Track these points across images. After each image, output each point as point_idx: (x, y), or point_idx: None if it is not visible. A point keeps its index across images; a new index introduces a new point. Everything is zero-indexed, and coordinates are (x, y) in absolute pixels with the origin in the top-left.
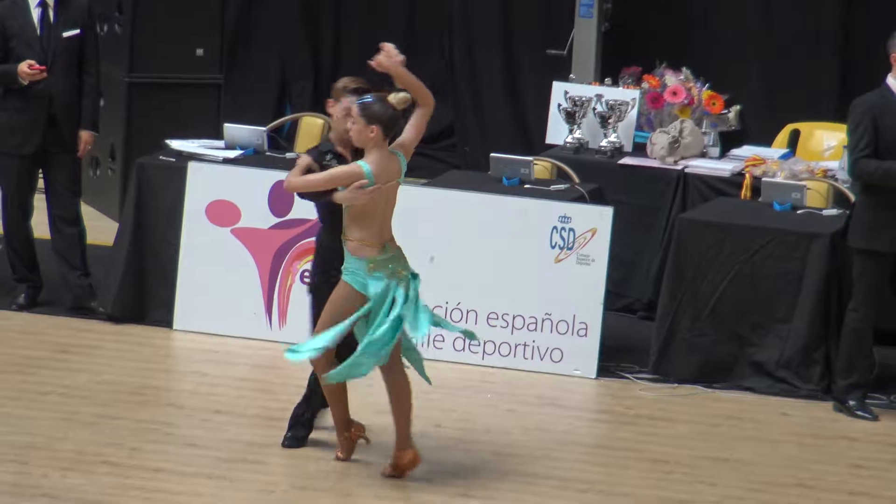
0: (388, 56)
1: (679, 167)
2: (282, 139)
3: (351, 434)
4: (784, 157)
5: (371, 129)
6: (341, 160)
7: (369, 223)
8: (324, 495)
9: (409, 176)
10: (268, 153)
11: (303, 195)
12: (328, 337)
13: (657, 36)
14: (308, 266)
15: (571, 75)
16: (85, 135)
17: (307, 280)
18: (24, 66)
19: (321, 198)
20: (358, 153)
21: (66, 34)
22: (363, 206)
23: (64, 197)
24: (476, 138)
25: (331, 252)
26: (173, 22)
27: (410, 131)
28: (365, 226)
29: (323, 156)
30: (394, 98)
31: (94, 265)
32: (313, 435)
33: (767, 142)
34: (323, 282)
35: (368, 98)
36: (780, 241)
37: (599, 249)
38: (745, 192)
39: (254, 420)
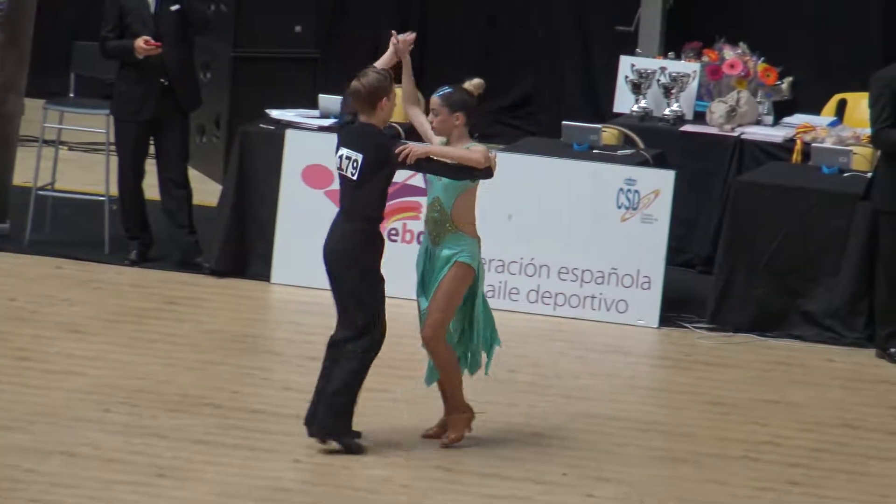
0: (407, 43)
1: (736, 134)
2: None
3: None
4: (832, 124)
5: (456, 117)
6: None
7: (475, 206)
8: (411, 437)
9: (488, 142)
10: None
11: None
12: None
13: (716, 13)
14: (396, 225)
15: (638, 50)
16: None
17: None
18: (140, 42)
19: (465, 175)
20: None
21: (172, 8)
22: (475, 190)
23: (173, 161)
24: (550, 107)
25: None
26: (274, 1)
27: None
28: (473, 208)
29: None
30: (469, 85)
31: (200, 224)
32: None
33: (817, 110)
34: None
35: (447, 89)
36: (828, 202)
37: (662, 209)
38: (796, 157)
39: None
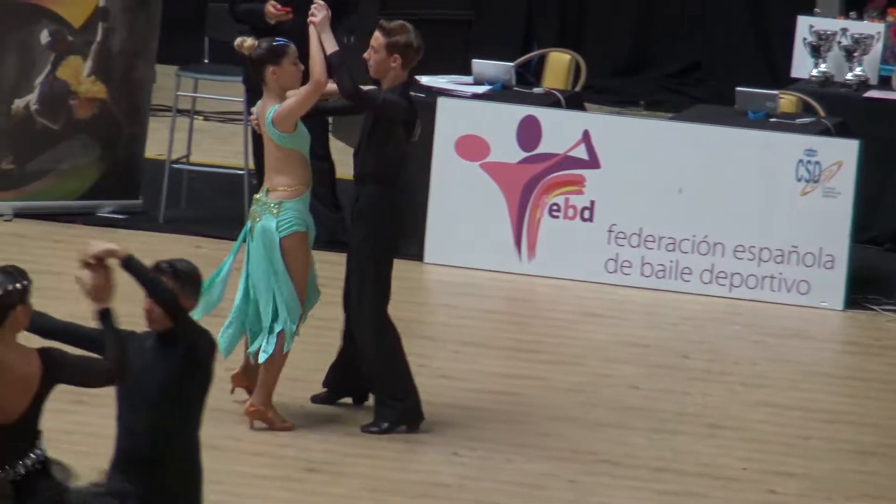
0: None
1: None
2: (529, 75)
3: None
4: None
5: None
6: None
7: None
8: (570, 424)
9: (655, 110)
10: (515, 88)
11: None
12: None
13: None
14: (558, 200)
15: (816, 9)
16: None
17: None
18: (269, 7)
19: None
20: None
21: None
22: None
23: (313, 132)
24: (722, 72)
25: None
26: None
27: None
28: None
29: None
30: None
31: (345, 199)
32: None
33: None
34: None
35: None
36: None
37: (846, 182)
38: None
39: (503, 352)
